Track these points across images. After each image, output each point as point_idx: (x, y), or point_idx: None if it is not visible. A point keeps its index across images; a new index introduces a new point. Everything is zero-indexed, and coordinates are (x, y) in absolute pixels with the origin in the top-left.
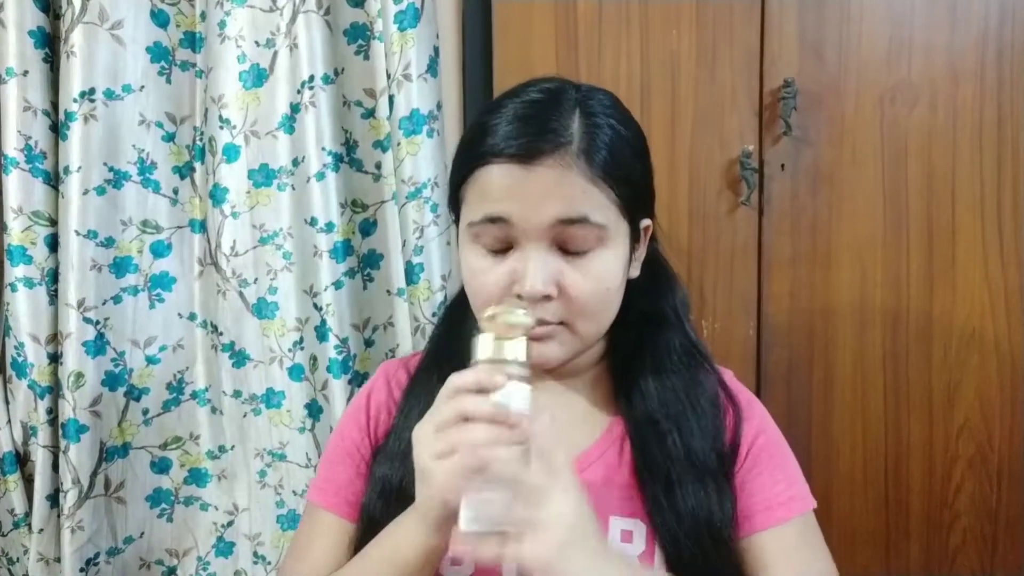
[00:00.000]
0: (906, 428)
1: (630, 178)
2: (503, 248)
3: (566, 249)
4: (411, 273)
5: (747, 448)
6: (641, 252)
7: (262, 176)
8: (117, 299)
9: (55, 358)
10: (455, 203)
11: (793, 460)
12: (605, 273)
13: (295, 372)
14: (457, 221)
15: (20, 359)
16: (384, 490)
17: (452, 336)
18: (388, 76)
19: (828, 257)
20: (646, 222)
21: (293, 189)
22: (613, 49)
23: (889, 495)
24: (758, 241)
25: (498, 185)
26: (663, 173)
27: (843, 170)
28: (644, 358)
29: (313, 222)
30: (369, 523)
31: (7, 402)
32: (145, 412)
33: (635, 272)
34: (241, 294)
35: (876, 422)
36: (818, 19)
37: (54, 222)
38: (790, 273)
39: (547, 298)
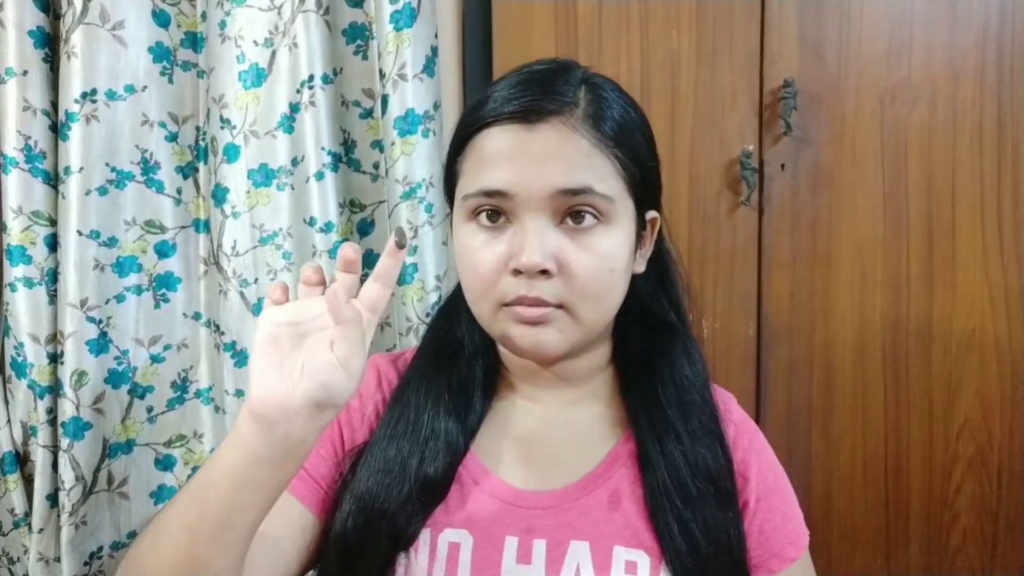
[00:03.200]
0: (906, 428)
1: (638, 155)
2: (500, 224)
3: (569, 223)
4: (404, 274)
5: (758, 486)
6: (647, 247)
7: (261, 176)
8: (120, 298)
9: (55, 358)
10: (450, 182)
11: (792, 491)
12: (609, 251)
13: None
14: (451, 201)
15: (20, 359)
16: (362, 508)
17: (443, 344)
18: (382, 75)
19: (828, 257)
20: (652, 214)
21: (292, 189)
22: (613, 49)
23: (889, 495)
24: (758, 241)
25: (497, 148)
26: (663, 173)
27: (843, 170)
28: (659, 369)
29: (312, 222)
30: (342, 542)
31: (7, 402)
32: (149, 410)
33: (639, 268)
34: (242, 294)
35: (876, 422)
36: (818, 19)
37: (54, 222)
38: (790, 273)
39: (545, 274)
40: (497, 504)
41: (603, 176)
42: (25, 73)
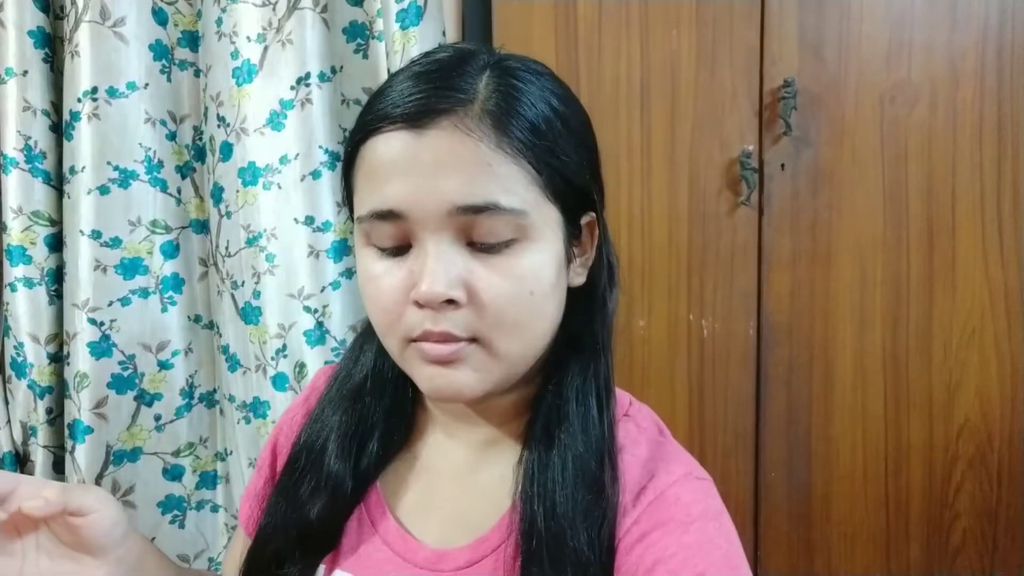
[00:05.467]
0: (906, 428)
1: (557, 154)
2: (400, 247)
3: (477, 243)
4: None
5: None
6: (588, 255)
7: (249, 175)
8: (125, 301)
9: (55, 358)
10: (348, 194)
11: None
12: (527, 272)
13: (279, 381)
14: (353, 216)
15: (20, 359)
16: (257, 544)
17: (348, 375)
18: (389, 74)
19: (828, 257)
20: (588, 217)
21: (279, 188)
22: (613, 49)
23: (889, 495)
24: (758, 241)
25: (384, 160)
26: (663, 173)
27: (843, 170)
28: (554, 414)
29: (309, 221)
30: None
31: (7, 402)
32: (158, 418)
33: (577, 280)
34: (233, 296)
35: (876, 422)
36: (818, 19)
37: (54, 222)
38: (790, 273)
39: (452, 304)
40: (388, 554)
41: (510, 187)
42: (25, 73)
